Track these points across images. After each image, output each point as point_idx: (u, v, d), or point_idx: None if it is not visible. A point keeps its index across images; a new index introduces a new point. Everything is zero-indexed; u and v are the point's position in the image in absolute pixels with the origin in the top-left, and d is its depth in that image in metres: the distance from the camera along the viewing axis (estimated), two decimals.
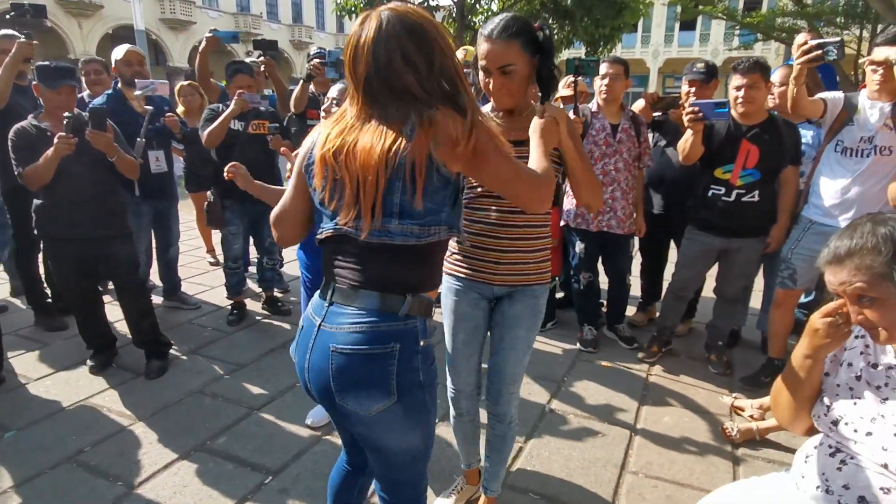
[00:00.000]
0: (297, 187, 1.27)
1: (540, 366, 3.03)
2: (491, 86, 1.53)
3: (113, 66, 3.47)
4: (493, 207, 1.62)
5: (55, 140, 2.50)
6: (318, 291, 1.25)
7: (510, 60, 1.47)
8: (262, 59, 3.85)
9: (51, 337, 3.36)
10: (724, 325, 3.10)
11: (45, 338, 3.35)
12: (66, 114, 2.56)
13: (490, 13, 14.52)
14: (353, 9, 13.25)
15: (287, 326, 3.63)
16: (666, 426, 2.51)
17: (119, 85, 3.44)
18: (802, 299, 3.15)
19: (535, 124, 1.39)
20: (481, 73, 1.54)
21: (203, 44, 3.64)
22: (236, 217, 3.49)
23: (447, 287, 1.73)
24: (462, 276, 1.70)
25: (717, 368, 3.03)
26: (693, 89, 3.08)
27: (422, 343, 1.16)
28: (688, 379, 2.96)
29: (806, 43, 2.26)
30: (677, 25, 30.62)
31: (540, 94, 1.59)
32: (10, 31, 3.28)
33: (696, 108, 2.52)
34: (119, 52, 3.46)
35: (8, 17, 2.99)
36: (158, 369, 2.93)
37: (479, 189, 1.67)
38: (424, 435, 1.23)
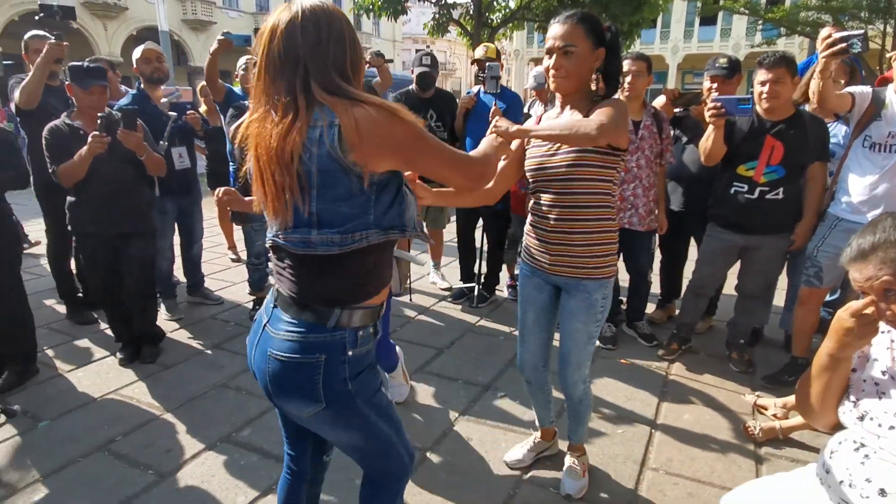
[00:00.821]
0: None
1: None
2: (551, 66, 1.64)
3: (134, 66, 3.56)
4: (543, 198, 1.77)
5: (89, 139, 2.59)
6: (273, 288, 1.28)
7: (572, 41, 1.61)
8: None
9: (82, 330, 3.46)
10: (745, 322, 3.07)
11: (76, 331, 3.45)
12: (100, 113, 2.65)
13: (507, 10, 14.45)
14: (370, 7, 13.27)
15: None
16: (686, 423, 2.50)
17: (142, 85, 3.53)
18: (828, 298, 3.11)
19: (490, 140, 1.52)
20: (545, 58, 1.68)
21: (214, 45, 3.69)
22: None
23: (521, 270, 1.95)
24: (527, 262, 1.90)
25: (738, 367, 2.99)
26: (715, 85, 2.99)
27: (350, 353, 1.16)
28: (708, 377, 2.93)
29: (830, 36, 2.23)
30: (697, 20, 30.08)
31: (606, 89, 1.71)
32: (40, 32, 3.37)
33: (719, 104, 2.47)
34: (137, 51, 3.56)
35: (37, 18, 3.07)
36: (152, 354, 3.07)
37: (533, 180, 1.80)
38: (367, 437, 1.25)
